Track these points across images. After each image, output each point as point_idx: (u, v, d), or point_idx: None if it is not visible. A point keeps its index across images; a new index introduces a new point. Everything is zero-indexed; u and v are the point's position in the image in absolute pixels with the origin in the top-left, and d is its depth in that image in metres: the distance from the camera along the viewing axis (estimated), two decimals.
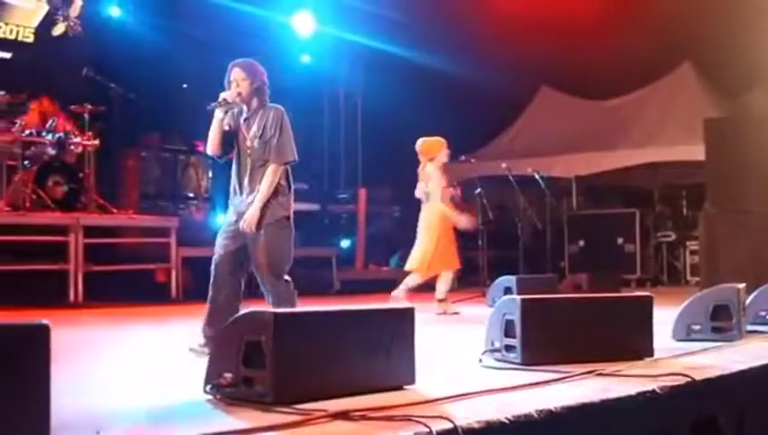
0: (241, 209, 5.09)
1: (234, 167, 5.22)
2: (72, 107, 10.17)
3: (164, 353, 5.30)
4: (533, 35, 14.14)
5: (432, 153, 8.47)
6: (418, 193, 8.49)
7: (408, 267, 8.47)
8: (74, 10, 11.24)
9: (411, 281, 8.30)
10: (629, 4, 14.34)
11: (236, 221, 5.09)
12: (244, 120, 5.17)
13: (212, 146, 5.18)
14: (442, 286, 8.33)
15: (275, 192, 5.08)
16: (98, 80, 10.58)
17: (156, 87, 11.82)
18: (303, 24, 14.07)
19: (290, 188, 5.19)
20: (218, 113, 5.11)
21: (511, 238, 13.56)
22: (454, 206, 8.59)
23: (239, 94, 5.08)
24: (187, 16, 12.47)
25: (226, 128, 5.15)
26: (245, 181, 5.11)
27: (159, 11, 12.05)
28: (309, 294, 10.46)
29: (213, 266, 5.12)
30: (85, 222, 9.35)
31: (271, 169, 5.05)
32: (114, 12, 12.13)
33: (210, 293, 5.09)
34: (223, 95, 5.08)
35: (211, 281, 5.10)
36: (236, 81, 5.11)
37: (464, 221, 8.56)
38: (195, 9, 12.55)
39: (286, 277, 5.16)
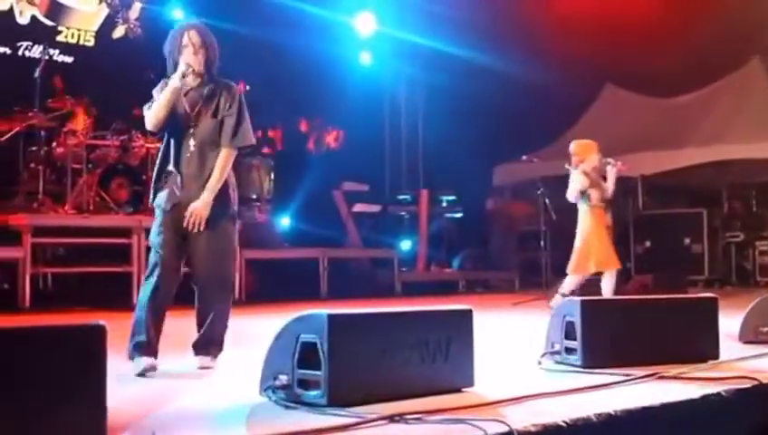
0: (182, 199, 4.40)
1: (166, 146, 4.53)
2: (135, 110, 10.33)
3: (224, 354, 5.33)
4: (598, 33, 13.95)
5: (581, 155, 8.29)
6: (569, 195, 8.37)
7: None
8: (134, 12, 11.39)
9: (565, 285, 8.19)
10: (696, 1, 14.06)
11: (173, 211, 4.41)
12: (186, 93, 4.53)
13: (158, 120, 4.42)
14: (606, 287, 8.11)
15: (226, 182, 4.47)
16: (158, 82, 10.73)
17: None
18: (364, 24, 14.13)
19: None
20: (177, 82, 4.43)
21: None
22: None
23: (189, 67, 4.44)
24: (247, 17, 12.56)
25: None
26: (188, 165, 4.43)
27: (222, 12, 12.17)
28: (370, 295, 10.58)
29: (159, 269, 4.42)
30: (147, 224, 9.41)
31: (225, 153, 4.42)
32: (177, 14, 12.27)
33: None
34: (188, 63, 4.46)
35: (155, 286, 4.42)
36: (194, 46, 4.50)
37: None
38: (256, 10, 12.64)
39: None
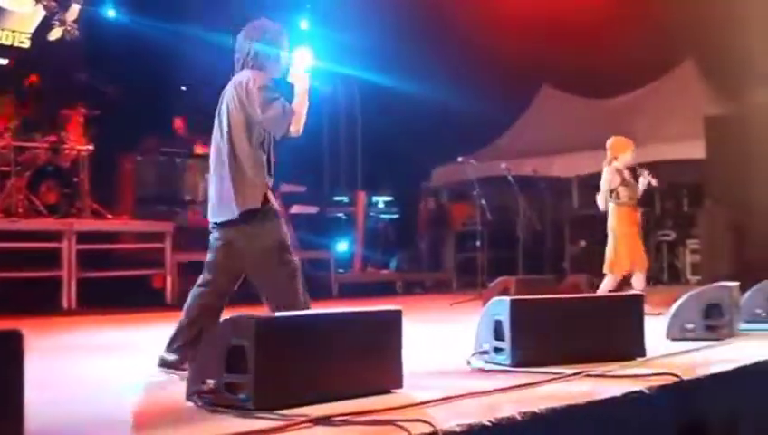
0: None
1: (262, 150, 4.44)
2: (67, 111, 10.14)
3: (152, 360, 5.25)
4: (535, 34, 14.10)
5: (615, 152, 8.19)
6: (598, 199, 8.30)
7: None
8: (71, 14, 11.17)
9: (604, 284, 8.12)
10: (630, 2, 14.29)
11: None
12: None
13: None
14: (637, 285, 8.03)
15: None
16: (94, 84, 10.54)
17: (153, 90, 11.79)
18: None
19: None
20: (307, 84, 4.48)
21: (510, 239, 13.53)
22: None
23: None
24: (185, 18, 12.43)
25: None
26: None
27: (157, 13, 12.01)
28: (309, 298, 10.51)
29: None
30: (79, 228, 9.31)
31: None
32: (111, 14, 12.09)
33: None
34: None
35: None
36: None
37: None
38: (194, 10, 12.51)
39: None
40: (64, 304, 8.94)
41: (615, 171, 8.14)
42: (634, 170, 8.43)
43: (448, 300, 10.37)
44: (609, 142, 8.39)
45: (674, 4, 13.87)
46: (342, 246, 13.32)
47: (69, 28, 11.04)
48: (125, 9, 12.22)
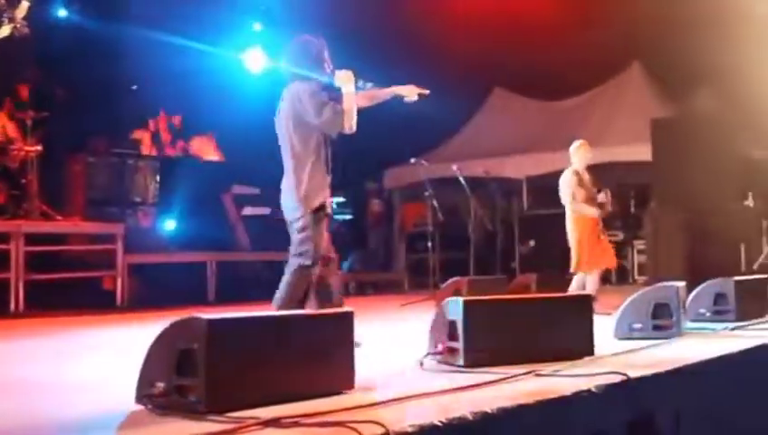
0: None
1: (323, 152, 5.23)
2: (15, 112, 9.98)
3: (101, 363, 5.21)
4: (486, 36, 14.21)
5: (574, 155, 8.48)
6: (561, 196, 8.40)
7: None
8: (21, 11, 10.95)
9: (574, 283, 8.22)
10: (580, 6, 14.47)
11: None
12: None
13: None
14: (589, 286, 8.17)
15: None
16: (43, 83, 10.38)
17: (104, 90, 11.65)
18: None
19: None
20: (353, 89, 5.14)
21: (462, 240, 13.60)
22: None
23: None
24: (136, 18, 12.29)
25: None
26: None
27: (107, 12, 11.86)
28: (259, 299, 10.45)
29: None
30: (27, 229, 9.17)
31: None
32: (60, 13, 11.91)
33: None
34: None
35: None
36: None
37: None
38: (144, 10, 12.38)
39: None
40: (12, 306, 8.79)
41: (572, 173, 8.27)
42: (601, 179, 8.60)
43: (400, 300, 10.41)
44: (570, 148, 8.62)
45: (621, 7, 14.09)
46: None
47: (18, 25, 10.83)
48: (75, 8, 12.05)
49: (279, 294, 5.16)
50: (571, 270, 8.34)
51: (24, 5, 10.86)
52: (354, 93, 5.08)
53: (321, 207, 5.21)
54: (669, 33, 13.92)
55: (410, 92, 5.42)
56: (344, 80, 5.11)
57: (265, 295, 11.35)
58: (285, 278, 5.21)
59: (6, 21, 10.74)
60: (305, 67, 5.21)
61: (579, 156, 8.49)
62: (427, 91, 5.40)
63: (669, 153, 11.79)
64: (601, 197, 8.37)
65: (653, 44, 14.65)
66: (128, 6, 12.26)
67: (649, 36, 14.46)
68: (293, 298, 5.11)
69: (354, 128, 5.07)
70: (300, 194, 5.19)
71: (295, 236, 5.24)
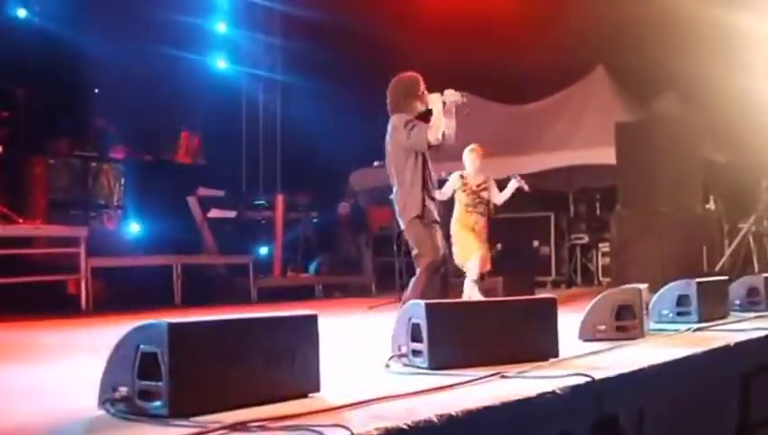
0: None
1: (424, 165, 6.18)
2: None
3: (63, 368, 5.15)
4: (450, 40, 14.24)
5: (463, 159, 8.78)
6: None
7: None
8: None
9: (471, 272, 8.52)
10: (544, 10, 14.56)
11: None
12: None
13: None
14: (465, 289, 8.53)
15: None
16: (2, 84, 10.23)
17: (65, 92, 11.53)
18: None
19: None
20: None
21: None
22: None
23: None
24: (98, 19, 12.17)
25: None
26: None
27: (67, 13, 11.73)
28: (226, 303, 10.43)
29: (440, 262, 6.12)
30: None
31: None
32: (20, 13, 11.75)
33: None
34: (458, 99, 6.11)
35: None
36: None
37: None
38: (106, 12, 12.27)
39: None
40: None
41: (457, 177, 8.74)
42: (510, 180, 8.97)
43: (367, 304, 10.40)
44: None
45: (585, 11, 14.21)
46: (263, 251, 13.24)
47: None
48: (36, 9, 11.90)
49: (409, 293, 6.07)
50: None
51: None
52: (441, 110, 6.04)
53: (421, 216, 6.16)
54: (632, 37, 14.06)
55: (454, 96, 6.16)
56: (433, 101, 6.10)
57: (232, 298, 11.36)
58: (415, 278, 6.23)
59: None
60: (401, 101, 6.22)
61: (468, 160, 8.87)
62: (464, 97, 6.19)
63: (633, 157, 11.92)
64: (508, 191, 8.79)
65: (617, 49, 14.79)
66: (89, 8, 12.13)
67: (613, 39, 14.59)
68: (425, 295, 5.79)
69: (440, 137, 6.03)
70: (400, 207, 6.24)
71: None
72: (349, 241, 14.85)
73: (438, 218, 6.33)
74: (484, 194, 8.76)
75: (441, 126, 6.03)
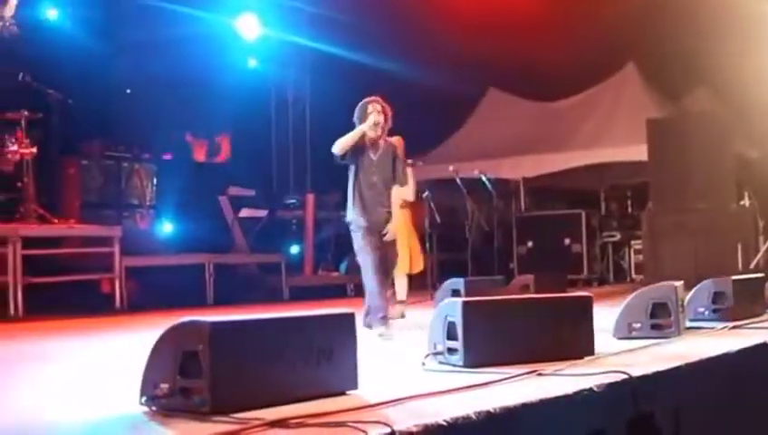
0: (378, 219, 6.43)
1: (355, 180, 6.48)
2: (9, 114, 9.95)
3: (104, 365, 5.21)
4: (481, 38, 14.22)
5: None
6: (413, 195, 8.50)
7: None
8: (9, 10, 10.86)
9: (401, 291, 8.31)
10: (574, 7, 14.50)
11: (371, 228, 6.39)
12: (370, 143, 6.48)
13: (344, 148, 6.39)
14: (398, 288, 8.25)
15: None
16: (35, 85, 10.33)
17: (97, 92, 11.64)
18: (249, 28, 13.99)
19: None
20: (365, 129, 6.42)
21: (459, 241, 13.61)
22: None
23: (384, 124, 6.49)
24: (128, 20, 12.29)
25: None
26: (370, 193, 6.44)
27: (98, 14, 11.84)
28: (257, 301, 10.49)
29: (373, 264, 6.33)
30: (24, 233, 9.13)
31: (397, 189, 6.60)
32: (51, 14, 11.86)
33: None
34: (376, 120, 6.44)
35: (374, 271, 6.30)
36: (384, 113, 6.52)
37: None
38: (136, 12, 12.37)
39: None
40: (11, 310, 8.76)
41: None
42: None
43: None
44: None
45: (616, 8, 14.13)
46: (294, 250, 13.29)
47: (8, 24, 10.77)
48: (67, 10, 12.00)
49: None
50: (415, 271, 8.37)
51: (13, 3, 10.79)
52: (364, 132, 6.44)
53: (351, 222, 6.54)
54: (663, 33, 13.97)
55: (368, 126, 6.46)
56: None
57: (263, 297, 11.41)
58: None
59: None
60: (357, 121, 6.54)
61: None
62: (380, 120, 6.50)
63: (665, 153, 11.83)
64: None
65: (647, 44, 14.70)
66: (119, 8, 12.25)
67: (644, 36, 14.50)
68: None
69: (337, 148, 6.42)
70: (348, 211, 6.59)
71: None
72: None
73: (365, 223, 6.45)
74: None
75: (343, 141, 6.41)
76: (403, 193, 7.73)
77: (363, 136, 6.44)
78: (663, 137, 12.00)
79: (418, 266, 8.69)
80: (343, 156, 6.42)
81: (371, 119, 6.45)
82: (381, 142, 6.55)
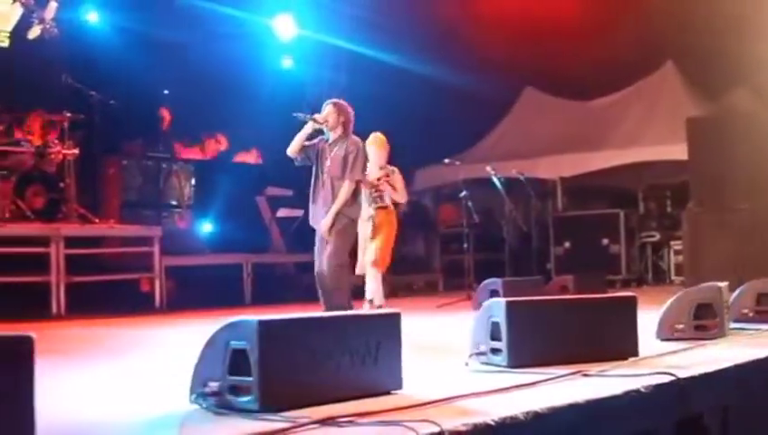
0: (317, 219, 6.66)
1: (313, 180, 6.72)
2: (51, 115, 10.09)
3: (149, 364, 5.27)
4: (518, 37, 14.18)
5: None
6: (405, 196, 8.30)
7: None
8: (49, 12, 11.00)
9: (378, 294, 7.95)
10: (611, 5, 14.40)
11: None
12: (329, 144, 6.68)
13: (293, 149, 6.67)
14: (368, 285, 7.94)
15: (345, 203, 6.58)
16: (77, 86, 10.47)
17: (137, 93, 11.76)
18: (285, 28, 14.06)
19: (355, 198, 6.75)
20: (307, 127, 6.64)
21: (497, 241, 13.59)
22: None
23: (326, 120, 6.64)
24: (165, 21, 12.39)
25: (306, 142, 6.70)
26: (321, 193, 6.62)
27: (137, 16, 11.95)
28: (295, 301, 10.53)
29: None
30: (66, 232, 9.27)
31: (345, 185, 6.57)
32: (91, 17, 12.00)
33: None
34: (315, 115, 6.64)
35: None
36: (328, 112, 6.73)
37: None
38: (174, 13, 12.48)
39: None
40: (54, 309, 8.89)
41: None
42: None
43: (436, 302, 10.41)
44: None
45: (654, 5, 14.00)
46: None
47: (48, 26, 10.91)
48: (107, 11, 12.13)
49: None
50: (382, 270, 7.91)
51: (53, 6, 10.95)
52: (308, 131, 6.75)
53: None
54: (703, 31, 13.82)
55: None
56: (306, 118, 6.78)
57: (300, 296, 11.46)
58: None
59: (36, 21, 10.85)
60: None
61: (369, 152, 7.69)
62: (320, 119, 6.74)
63: (706, 152, 11.68)
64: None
65: (686, 42, 14.54)
66: (158, 8, 12.35)
67: (682, 34, 14.35)
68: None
69: (292, 154, 6.81)
70: None
71: None
72: (418, 239, 14.87)
73: (313, 225, 6.87)
74: (384, 188, 7.79)
75: (294, 140, 6.73)
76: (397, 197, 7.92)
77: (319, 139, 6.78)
78: (704, 136, 11.86)
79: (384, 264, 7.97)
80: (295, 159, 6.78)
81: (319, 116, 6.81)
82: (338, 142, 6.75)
